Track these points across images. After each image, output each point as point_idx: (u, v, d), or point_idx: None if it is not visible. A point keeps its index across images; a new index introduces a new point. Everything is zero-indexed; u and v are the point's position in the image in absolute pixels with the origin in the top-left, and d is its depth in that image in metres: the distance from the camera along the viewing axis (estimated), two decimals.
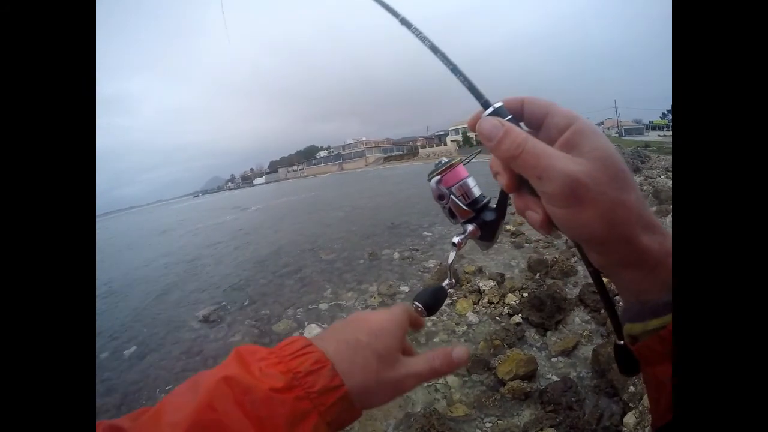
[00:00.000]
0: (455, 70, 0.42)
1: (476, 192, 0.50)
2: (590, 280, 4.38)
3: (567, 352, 3.29)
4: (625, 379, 2.39)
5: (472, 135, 69.91)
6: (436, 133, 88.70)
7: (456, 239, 0.49)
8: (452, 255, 0.51)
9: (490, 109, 0.39)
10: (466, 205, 0.49)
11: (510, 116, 0.38)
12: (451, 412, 2.91)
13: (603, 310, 3.63)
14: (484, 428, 2.67)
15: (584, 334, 3.50)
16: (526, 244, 6.43)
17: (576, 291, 4.23)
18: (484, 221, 0.49)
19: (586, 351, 3.23)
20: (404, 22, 0.48)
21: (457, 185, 0.49)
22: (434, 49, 0.44)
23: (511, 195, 0.41)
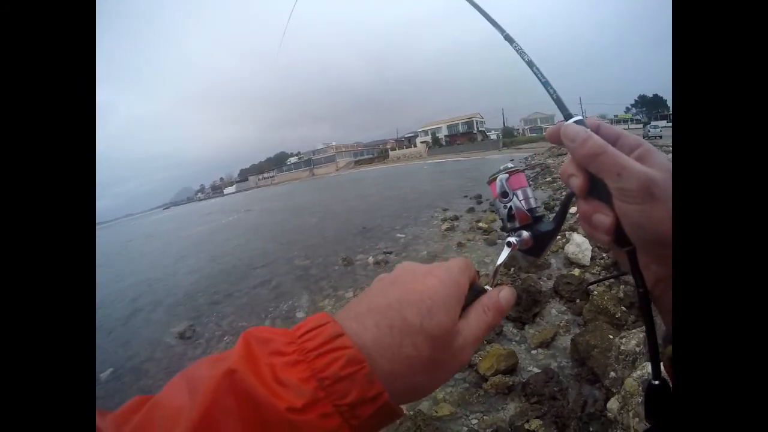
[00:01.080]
0: (546, 83, 0.47)
1: (534, 203, 0.49)
2: (564, 272, 4.53)
3: (546, 344, 3.34)
4: (605, 365, 2.44)
5: (440, 136, 71.01)
6: (406, 135, 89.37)
7: (512, 239, 0.46)
8: (504, 253, 0.47)
9: (575, 118, 0.42)
10: (526, 210, 0.47)
11: (589, 129, 0.41)
12: (436, 411, 2.89)
13: (578, 300, 3.72)
14: (471, 425, 2.67)
15: (561, 324, 3.57)
16: (498, 241, 6.54)
17: (550, 283, 4.33)
18: (540, 231, 0.47)
19: (565, 341, 3.29)
20: (508, 38, 0.51)
21: (520, 189, 0.48)
22: (530, 64, 0.48)
23: (574, 201, 0.43)
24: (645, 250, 0.38)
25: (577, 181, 0.40)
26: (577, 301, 3.74)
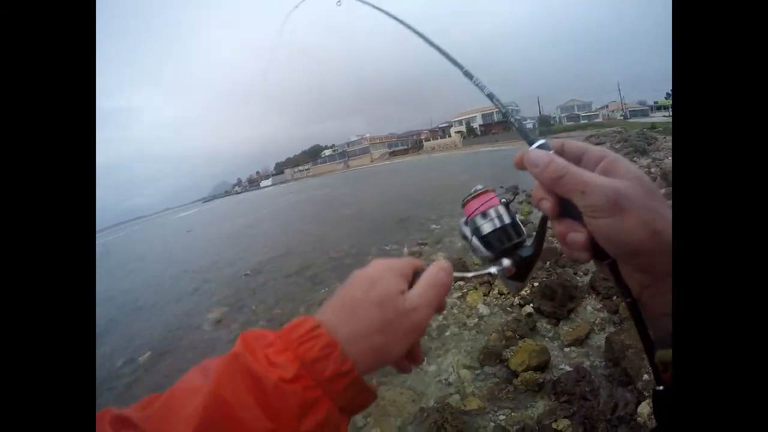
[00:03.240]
0: (507, 113, 0.52)
1: (509, 220, 0.48)
2: None
3: (579, 341, 3.25)
4: (639, 367, 2.36)
5: (475, 126, 69.48)
6: (440, 126, 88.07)
7: (493, 270, 0.47)
8: (475, 273, 0.47)
9: (537, 143, 0.43)
10: (504, 234, 0.47)
11: (553, 151, 0.42)
12: (465, 405, 2.90)
13: (615, 297, 3.59)
14: (498, 421, 2.66)
15: (596, 322, 3.45)
16: (533, 233, 6.36)
17: (587, 279, 4.18)
18: (521, 257, 0.46)
19: (599, 339, 3.19)
20: (467, 74, 0.56)
21: (493, 209, 0.48)
22: (491, 97, 0.53)
23: (550, 225, 0.44)
24: (624, 260, 0.39)
25: (548, 204, 0.42)
26: (614, 298, 3.60)
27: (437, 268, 0.43)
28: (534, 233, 0.47)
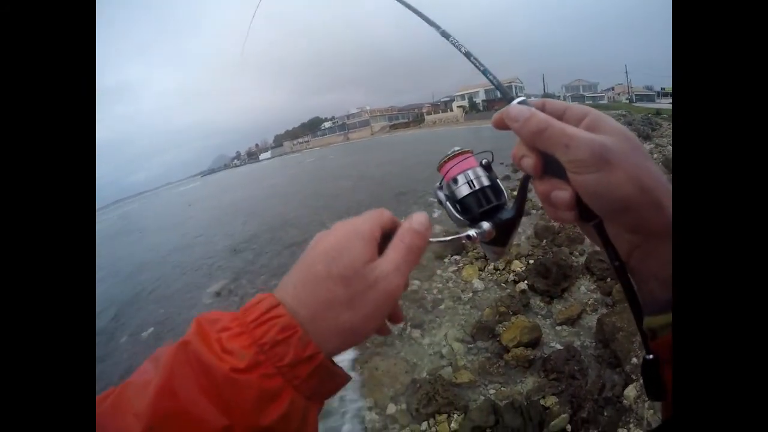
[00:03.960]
0: (485, 71, 0.47)
1: (489, 185, 0.45)
2: (598, 249, 4.36)
3: (571, 321, 3.31)
4: (628, 350, 2.41)
5: (478, 101, 68.45)
6: (442, 99, 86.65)
7: (472, 232, 0.42)
8: (449, 238, 0.43)
9: (518, 99, 0.40)
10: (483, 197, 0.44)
11: (533, 108, 0.40)
12: (456, 378, 2.98)
13: (609, 279, 3.63)
14: (488, 395, 2.74)
15: (589, 303, 3.51)
16: (533, 211, 6.38)
17: (582, 259, 4.22)
18: (501, 220, 0.43)
19: (591, 320, 3.25)
20: (444, 34, 0.51)
21: (471, 170, 0.45)
22: (468, 55, 0.48)
23: (531, 183, 0.42)
24: (612, 219, 0.37)
25: (530, 161, 0.39)
26: (608, 280, 3.64)
27: (410, 230, 0.38)
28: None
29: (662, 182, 0.35)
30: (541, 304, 3.70)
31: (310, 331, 0.33)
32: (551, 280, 3.83)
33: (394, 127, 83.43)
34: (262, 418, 0.30)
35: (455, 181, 0.45)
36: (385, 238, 0.39)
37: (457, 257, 5.13)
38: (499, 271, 4.47)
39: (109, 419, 0.29)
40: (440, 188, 0.47)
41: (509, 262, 4.53)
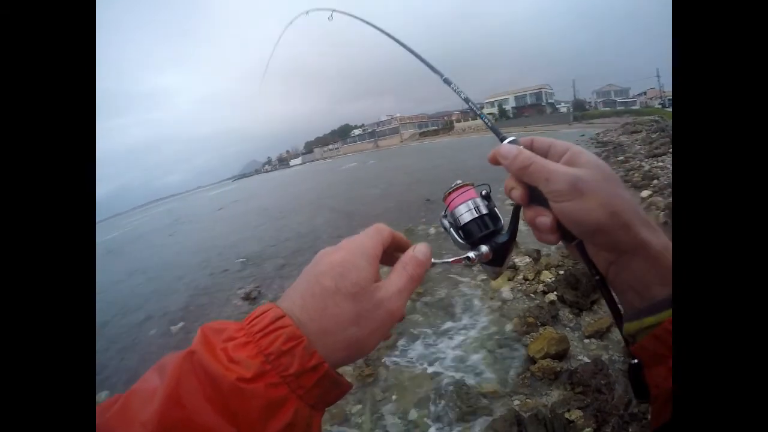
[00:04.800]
0: (482, 116, 0.56)
1: (485, 211, 0.50)
2: None
3: (600, 334, 3.23)
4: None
5: (508, 108, 67.28)
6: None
7: (471, 254, 0.48)
8: (448, 260, 0.49)
9: (508, 139, 0.48)
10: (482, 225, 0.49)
11: (522, 146, 0.47)
12: (481, 387, 2.97)
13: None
14: (512, 405, 2.71)
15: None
16: None
17: None
18: (497, 243, 0.48)
19: (619, 334, 3.15)
20: (446, 81, 0.61)
21: (471, 200, 0.50)
22: (467, 101, 0.59)
23: (522, 211, 0.48)
24: (588, 239, 0.42)
25: (518, 193, 0.46)
26: None
27: (413, 259, 0.42)
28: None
29: (631, 206, 0.40)
30: (570, 316, 3.63)
31: (317, 343, 0.34)
32: (581, 291, 3.75)
33: (423, 134, 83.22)
34: (267, 427, 0.30)
35: (458, 209, 0.51)
36: (385, 252, 0.43)
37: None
38: (528, 281, 4.41)
39: (115, 428, 0.29)
40: (444, 216, 0.53)
41: (539, 273, 4.47)
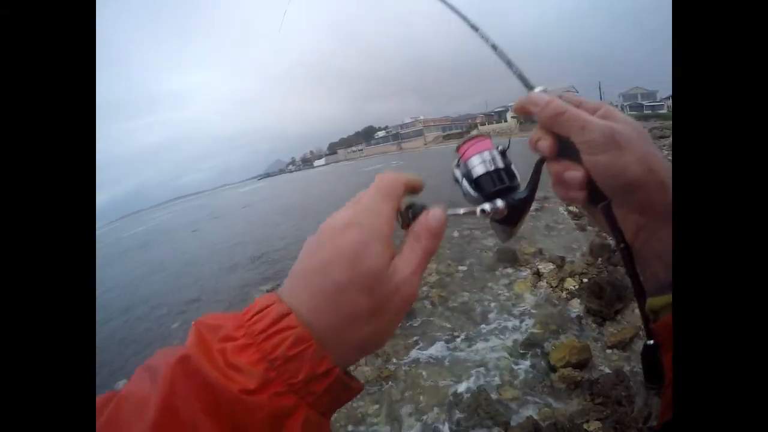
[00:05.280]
0: (510, 63, 0.50)
1: (504, 167, 0.46)
2: None
3: (623, 345, 3.16)
4: None
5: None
6: (496, 110, 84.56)
7: (486, 206, 0.43)
8: (466, 209, 0.44)
9: (539, 89, 0.45)
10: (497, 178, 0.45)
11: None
12: (500, 393, 2.96)
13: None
14: (531, 413, 2.69)
15: (642, 327, 3.31)
16: (589, 227, 6.11)
17: None
18: (514, 199, 0.44)
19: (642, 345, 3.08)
20: (473, 27, 0.54)
21: (487, 152, 0.46)
22: (494, 48, 0.52)
23: (546, 166, 0.45)
24: (620, 199, 0.40)
25: (546, 143, 0.42)
26: None
27: (427, 230, 0.36)
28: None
29: (666, 167, 0.37)
30: (594, 325, 3.56)
31: (327, 344, 0.30)
32: (605, 300, 3.67)
33: (447, 137, 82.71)
34: None
35: (472, 160, 0.47)
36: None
37: (510, 270, 5.06)
38: (552, 288, 4.36)
39: None
40: (457, 167, 0.49)
41: (563, 280, 4.40)
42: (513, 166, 0.46)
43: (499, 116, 77.10)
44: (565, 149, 0.41)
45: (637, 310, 3.01)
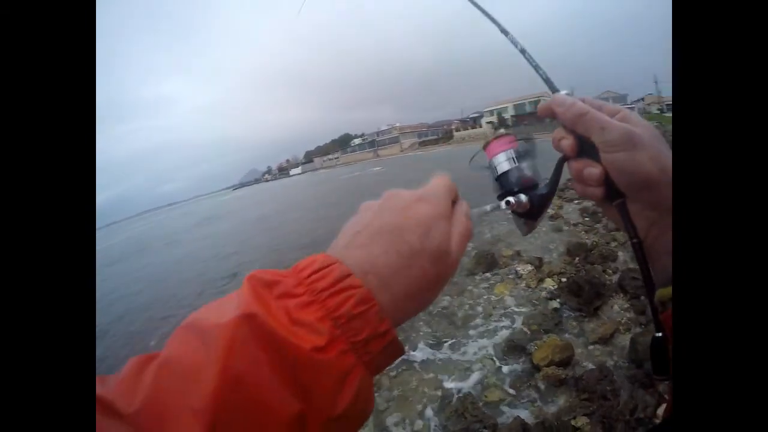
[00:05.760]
0: (537, 66, 0.54)
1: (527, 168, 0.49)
2: (631, 266, 4.25)
3: (604, 340, 3.22)
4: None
5: (507, 116, 67.67)
6: (471, 116, 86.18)
7: (511, 199, 0.47)
8: (492, 207, 0.48)
9: (563, 91, 0.48)
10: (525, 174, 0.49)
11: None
12: (486, 396, 2.96)
13: (642, 297, 3.52)
14: (518, 414, 2.70)
15: (622, 322, 3.41)
16: (564, 228, 6.26)
17: (616, 277, 4.11)
18: (537, 195, 0.48)
19: (624, 340, 3.15)
20: (503, 31, 0.58)
21: (512, 149, 0.50)
22: (523, 52, 0.56)
23: (567, 164, 0.48)
24: (634, 195, 0.43)
25: (568, 142, 0.46)
26: (642, 298, 3.53)
27: (463, 217, 0.39)
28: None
29: None
30: (574, 323, 3.62)
31: (387, 306, 0.30)
32: (584, 298, 3.75)
33: (423, 143, 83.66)
34: (338, 401, 0.26)
35: (497, 158, 0.50)
36: None
37: (488, 274, 5.11)
38: (531, 289, 4.42)
39: (152, 416, 0.23)
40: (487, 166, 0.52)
41: (541, 280, 4.48)
42: (535, 163, 0.50)
43: (474, 122, 78.60)
44: (585, 148, 0.44)
45: (615, 306, 3.10)
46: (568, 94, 0.47)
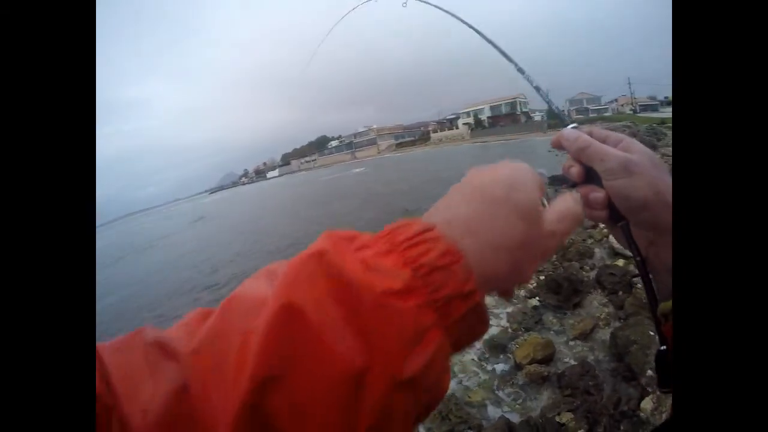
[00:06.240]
0: (549, 102, 0.63)
1: None
2: (608, 262, 4.37)
3: (584, 336, 3.27)
4: (643, 363, 2.38)
5: (483, 118, 68.83)
6: (447, 117, 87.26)
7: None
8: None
9: (571, 126, 0.53)
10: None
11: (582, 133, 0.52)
12: (469, 396, 2.95)
13: (621, 292, 3.60)
14: (502, 413, 2.70)
15: (602, 317, 3.47)
16: None
17: (593, 274, 4.19)
18: None
19: (604, 334, 3.21)
20: (520, 70, 0.66)
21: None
22: (537, 89, 0.65)
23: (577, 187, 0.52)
24: (633, 217, 0.46)
25: (575, 170, 0.50)
26: (620, 293, 3.60)
27: (573, 200, 0.37)
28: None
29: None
30: (554, 320, 3.66)
31: (474, 256, 0.27)
32: (562, 295, 3.81)
33: (400, 145, 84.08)
34: (408, 362, 0.23)
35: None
36: None
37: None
38: None
39: (205, 355, 0.23)
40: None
41: None
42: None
43: (451, 123, 79.52)
44: (591, 176, 0.49)
45: (594, 302, 3.14)
46: (574, 128, 0.53)
